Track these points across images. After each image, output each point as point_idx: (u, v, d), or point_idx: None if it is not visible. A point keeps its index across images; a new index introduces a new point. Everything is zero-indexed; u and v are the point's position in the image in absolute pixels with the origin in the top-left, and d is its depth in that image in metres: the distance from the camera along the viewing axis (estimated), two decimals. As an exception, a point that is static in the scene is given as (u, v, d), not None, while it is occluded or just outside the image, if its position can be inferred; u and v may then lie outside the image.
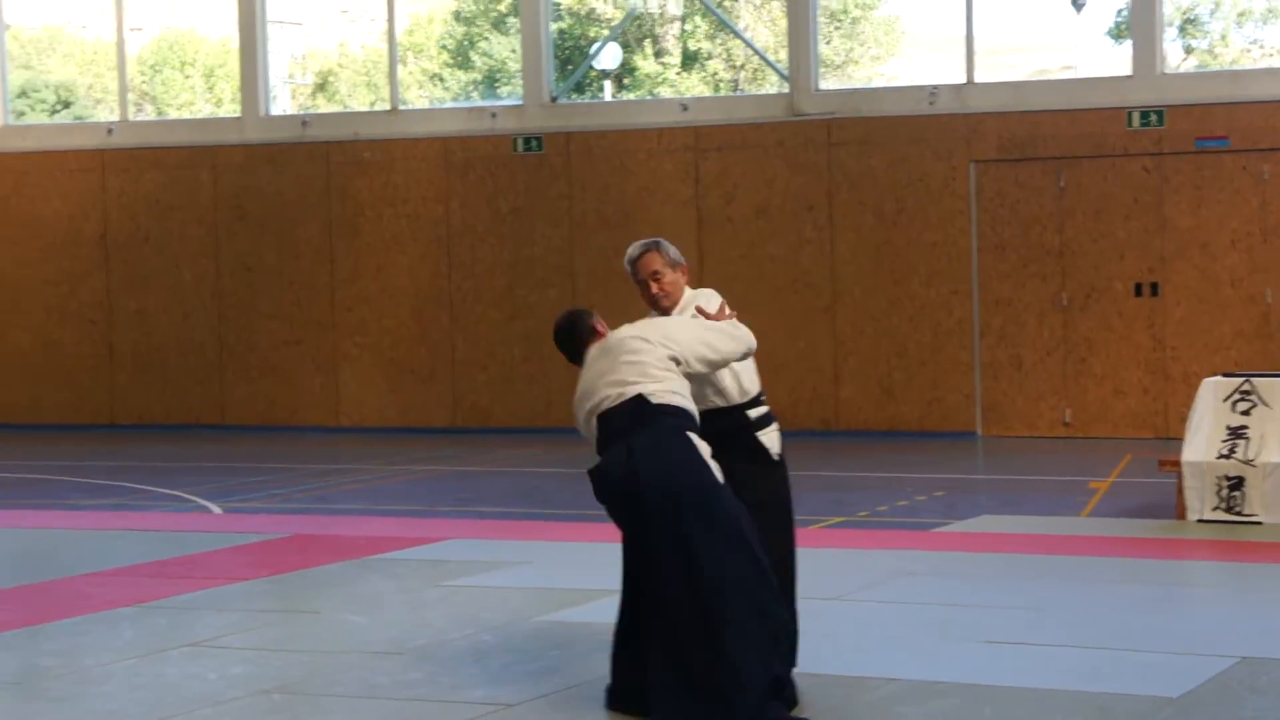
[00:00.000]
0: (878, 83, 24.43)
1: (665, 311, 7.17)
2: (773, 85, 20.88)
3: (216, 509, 13.43)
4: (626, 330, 6.92)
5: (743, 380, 7.15)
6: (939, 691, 7.07)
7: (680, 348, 6.82)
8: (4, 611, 9.13)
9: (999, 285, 17.77)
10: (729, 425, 7.08)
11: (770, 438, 7.21)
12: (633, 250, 7.24)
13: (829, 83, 19.51)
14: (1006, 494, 13.95)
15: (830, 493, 13.81)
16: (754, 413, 7.19)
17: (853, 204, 18.10)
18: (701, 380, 6.99)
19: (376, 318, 19.51)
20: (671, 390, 6.72)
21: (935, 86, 18.08)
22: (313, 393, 19.69)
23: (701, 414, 6.90)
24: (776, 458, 7.21)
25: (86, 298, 20.46)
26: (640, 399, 6.66)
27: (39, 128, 21.76)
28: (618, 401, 6.69)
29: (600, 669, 7.16)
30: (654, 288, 7.16)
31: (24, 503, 14.03)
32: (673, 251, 7.23)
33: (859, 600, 9.07)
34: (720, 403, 7.11)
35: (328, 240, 19.67)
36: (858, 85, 22.98)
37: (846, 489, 14.13)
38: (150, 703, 7.10)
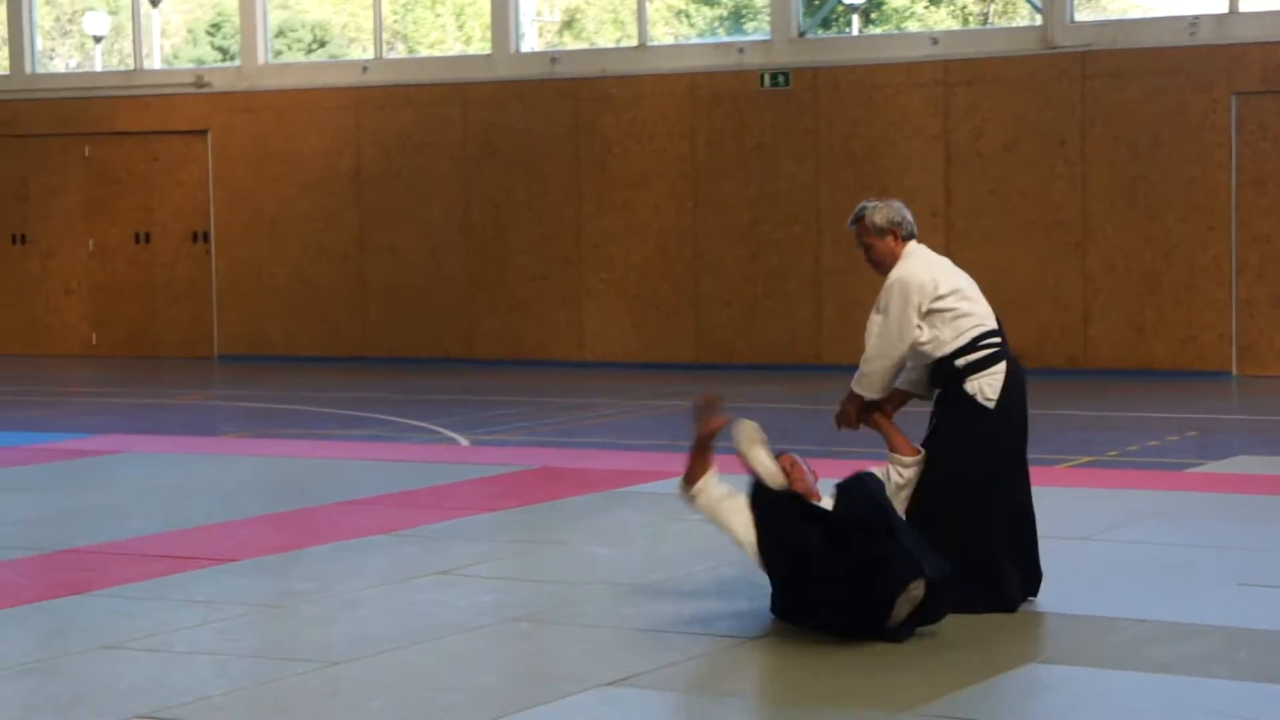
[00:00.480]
0: (1134, 14, 23.80)
1: (883, 273, 7.60)
2: (1024, 18, 20.50)
3: (464, 441, 13.59)
4: None
5: (942, 334, 7.44)
6: (1190, 633, 6.95)
7: None
8: (261, 537, 9.35)
9: (1259, 221, 17.29)
10: (940, 377, 7.47)
11: (978, 384, 7.34)
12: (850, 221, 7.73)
13: (1084, 14, 19.07)
14: (1262, 434, 13.69)
15: (1078, 431, 13.64)
16: (962, 361, 7.39)
17: (1106, 138, 17.72)
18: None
19: (622, 254, 19.61)
20: None
21: (1196, 16, 17.59)
22: (558, 328, 19.88)
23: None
24: (988, 404, 7.31)
25: (341, 233, 20.86)
26: None
27: (296, 66, 22.21)
28: None
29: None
30: (864, 257, 7.69)
31: (280, 432, 14.34)
32: (878, 218, 7.58)
33: (1108, 540, 8.94)
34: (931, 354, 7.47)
35: (575, 176, 19.80)
36: (1114, 16, 22.43)
37: (1095, 428, 13.95)
38: (402, 627, 7.20)
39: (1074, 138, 17.88)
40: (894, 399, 7.68)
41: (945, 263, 7.71)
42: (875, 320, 7.50)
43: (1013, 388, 7.41)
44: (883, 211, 7.63)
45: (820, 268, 18.75)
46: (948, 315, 7.45)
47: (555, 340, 19.89)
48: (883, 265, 7.59)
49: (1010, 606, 7.35)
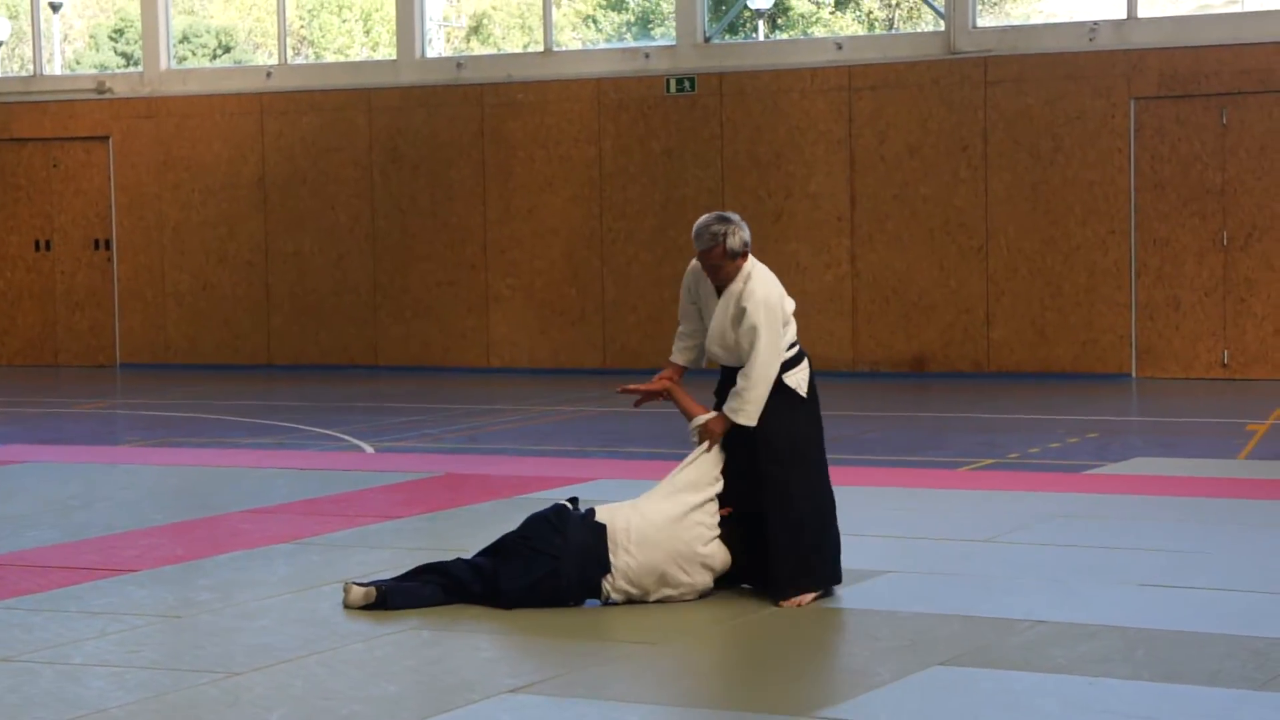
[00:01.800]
0: (1035, 19, 24.04)
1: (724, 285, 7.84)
2: (928, 23, 20.63)
3: (369, 448, 13.53)
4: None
5: (784, 343, 7.83)
6: (1090, 634, 6.97)
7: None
8: (162, 547, 9.25)
9: (1157, 225, 17.48)
10: None
11: (796, 379, 7.86)
12: (697, 239, 7.79)
13: (986, 20, 19.23)
14: (1161, 436, 13.79)
15: (981, 434, 13.73)
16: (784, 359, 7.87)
17: (1008, 143, 17.87)
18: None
19: (528, 259, 19.59)
20: None
21: (1095, 22, 17.77)
22: (464, 334, 19.83)
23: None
24: (802, 394, 7.87)
25: (245, 240, 20.73)
26: None
27: (200, 71, 22.04)
28: None
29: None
30: (710, 274, 7.84)
31: (182, 441, 14.22)
32: (735, 243, 7.74)
33: (1010, 542, 8.98)
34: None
35: (481, 182, 19.76)
36: (1015, 22, 22.64)
37: (997, 430, 14.01)
38: (304, 637, 7.17)
39: (976, 142, 18.01)
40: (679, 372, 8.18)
41: (769, 273, 7.97)
42: (759, 350, 7.71)
43: (813, 380, 7.97)
44: (738, 234, 7.75)
45: (726, 272, 18.78)
46: (789, 327, 7.89)
47: (461, 346, 19.84)
48: (728, 280, 7.82)
49: (840, 579, 7.86)
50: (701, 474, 7.82)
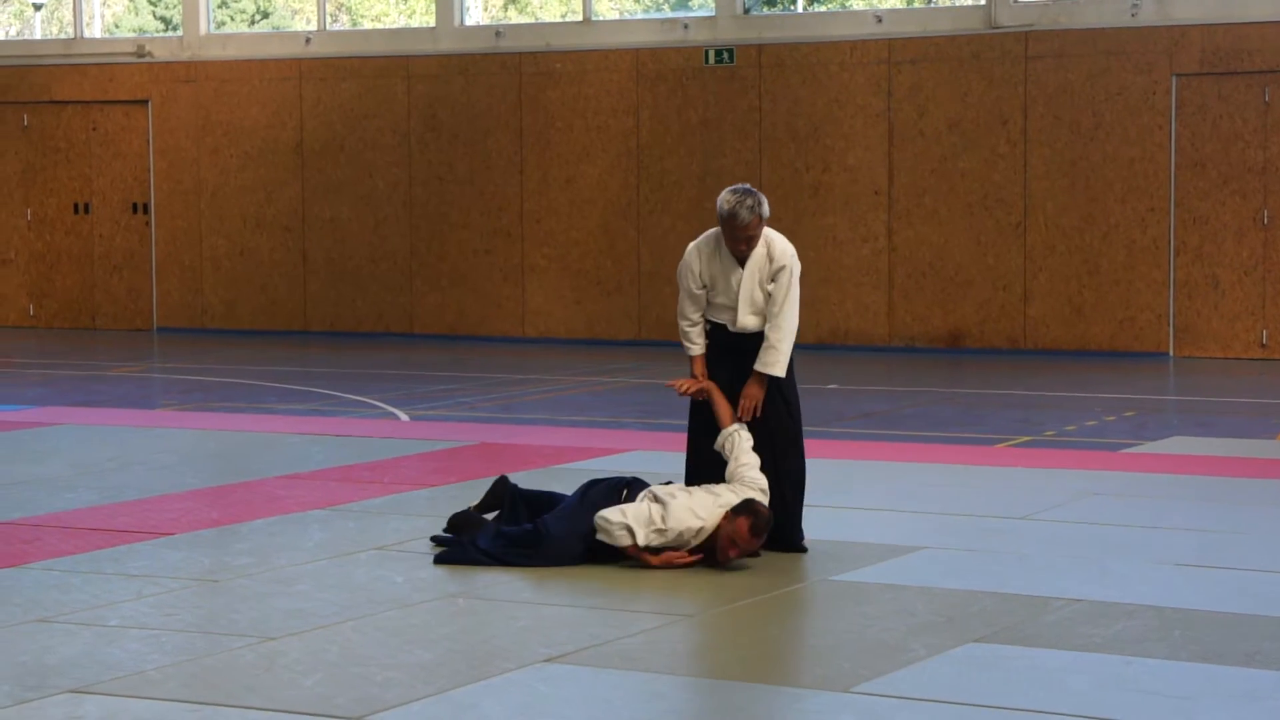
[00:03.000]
0: (1077, -6, 23.83)
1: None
2: (968, -3, 20.53)
3: (404, 416, 13.53)
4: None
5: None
6: (1125, 613, 6.95)
7: None
8: (200, 511, 9.28)
9: (1197, 203, 17.38)
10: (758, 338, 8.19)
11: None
12: (734, 215, 8.02)
13: (1027, -6, 19.10)
14: (1199, 415, 13.71)
15: (1017, 411, 13.69)
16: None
17: (1048, 118, 17.78)
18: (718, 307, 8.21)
19: (564, 229, 19.57)
20: None
21: (1137, -2, 17.67)
22: (500, 303, 19.83)
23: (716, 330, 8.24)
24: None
25: (282, 205, 20.74)
26: None
27: (239, 36, 22.03)
28: None
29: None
30: (743, 247, 8.08)
31: (218, 406, 14.26)
32: (766, 208, 8.08)
33: (1045, 520, 8.95)
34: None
35: (518, 151, 19.73)
36: (1056, -3, 22.48)
37: (1033, 408, 13.96)
38: (339, 603, 7.17)
39: (1016, 117, 17.93)
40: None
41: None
42: (791, 300, 8.11)
43: None
44: (764, 200, 8.11)
45: (763, 245, 18.74)
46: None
47: (497, 316, 19.83)
48: (754, 246, 8.14)
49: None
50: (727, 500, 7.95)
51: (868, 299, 18.32)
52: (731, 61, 18.89)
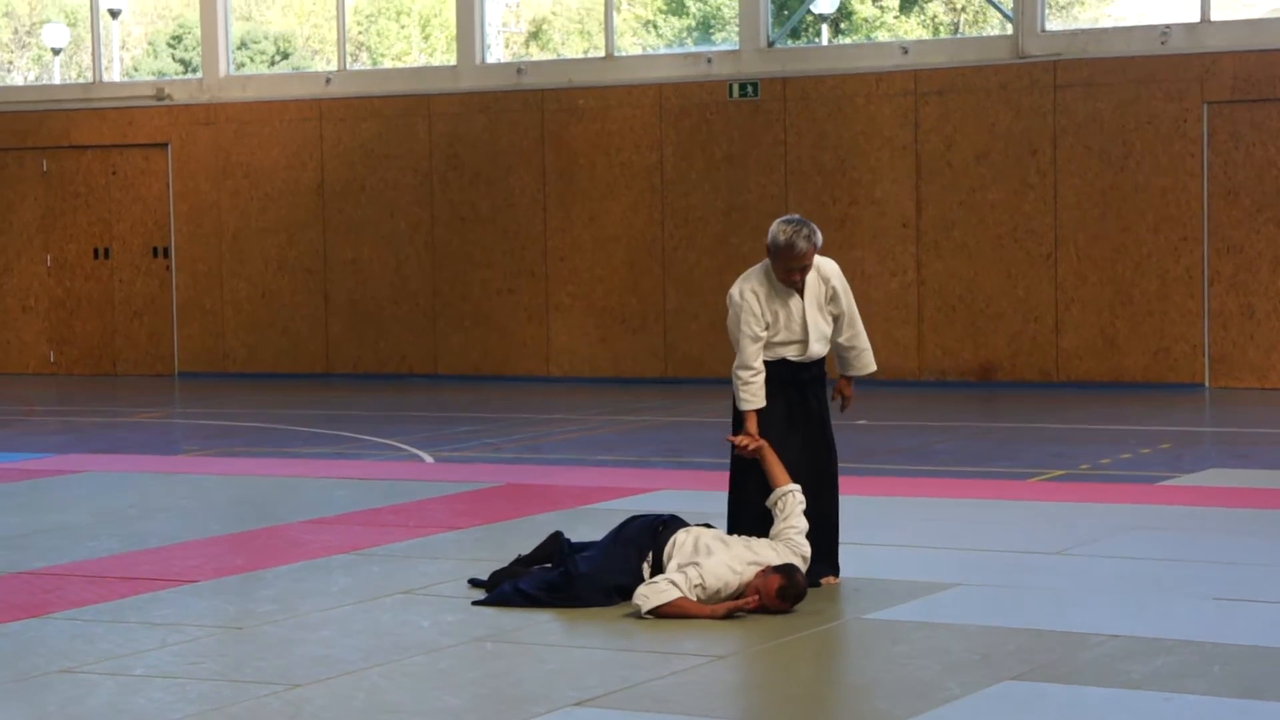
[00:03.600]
0: (1105, 23, 23.77)
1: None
2: (994, 27, 20.42)
3: (429, 458, 13.49)
4: None
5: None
6: (1164, 649, 6.86)
7: None
8: (223, 557, 9.25)
9: (1231, 231, 17.25)
10: (820, 365, 8.36)
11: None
12: (792, 244, 8.08)
13: (1055, 23, 19.00)
14: (1236, 447, 13.64)
15: (1051, 445, 13.61)
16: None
17: (1078, 148, 17.67)
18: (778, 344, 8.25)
19: (589, 267, 19.47)
20: None
21: (1167, 25, 17.54)
22: (524, 342, 19.74)
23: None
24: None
25: (304, 247, 20.69)
26: None
27: (259, 78, 22.02)
28: None
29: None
30: (797, 277, 8.14)
31: (241, 450, 14.21)
32: (819, 236, 8.22)
33: (1081, 555, 8.87)
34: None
35: (541, 188, 19.66)
36: (1085, 25, 22.38)
37: (1067, 441, 13.88)
38: (365, 649, 7.12)
39: (1045, 147, 17.81)
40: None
41: None
42: (852, 302, 8.36)
43: None
44: (817, 229, 8.23)
45: (789, 280, 18.62)
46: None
47: (521, 355, 19.74)
48: (807, 274, 8.23)
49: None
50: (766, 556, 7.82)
51: (897, 333, 18.17)
52: (756, 95, 18.80)
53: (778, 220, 8.16)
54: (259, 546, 9.57)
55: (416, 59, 28.54)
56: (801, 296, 8.16)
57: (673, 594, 7.54)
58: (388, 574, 8.66)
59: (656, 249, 19.24)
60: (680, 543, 7.79)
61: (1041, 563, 8.61)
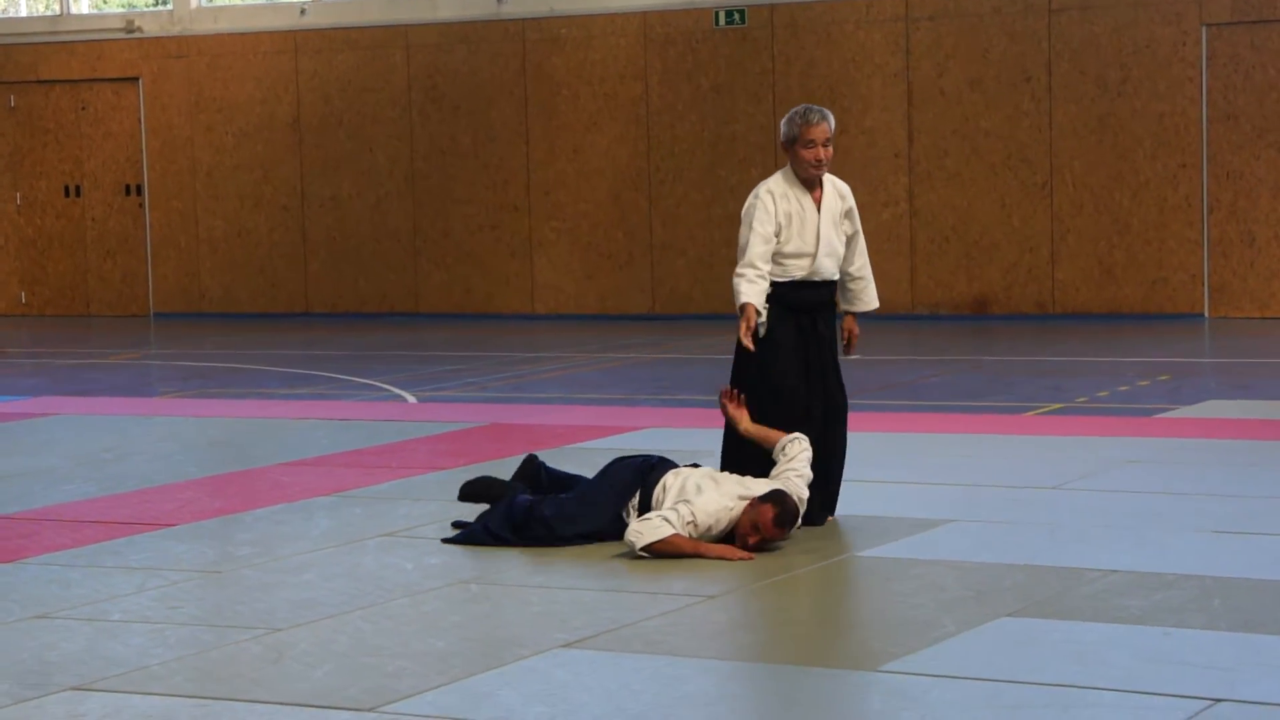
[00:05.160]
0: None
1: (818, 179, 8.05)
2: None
3: (411, 398, 13.42)
4: None
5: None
6: (1164, 583, 6.81)
7: None
8: (202, 500, 9.20)
9: (1230, 157, 17.11)
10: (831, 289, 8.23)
11: None
12: (806, 115, 7.92)
13: (1047, -54, 18.75)
14: (1235, 378, 13.66)
15: (1047, 378, 13.62)
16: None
17: (1073, 74, 17.49)
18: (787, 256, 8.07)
19: (573, 201, 19.26)
20: None
21: (1164, -56, 17.33)
22: (508, 279, 19.56)
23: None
24: None
25: (280, 184, 20.47)
26: None
27: (231, 9, 21.66)
28: None
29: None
30: (825, 156, 7.97)
31: (218, 392, 14.17)
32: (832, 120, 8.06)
33: (1078, 489, 8.81)
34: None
35: (523, 121, 19.41)
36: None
37: (1064, 374, 13.87)
38: (347, 592, 7.06)
39: (1040, 74, 17.62)
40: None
41: None
42: (860, 235, 8.24)
43: None
44: (830, 114, 8.10)
45: (777, 213, 18.43)
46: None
47: (505, 292, 19.57)
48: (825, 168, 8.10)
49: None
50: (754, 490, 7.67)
51: (889, 266, 17.96)
52: (743, 22, 18.56)
53: (788, 113, 8.07)
54: (238, 489, 9.51)
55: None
56: (819, 209, 7.99)
57: (666, 530, 7.40)
58: (370, 516, 8.60)
59: (642, 182, 19.02)
60: (669, 485, 7.67)
61: (1038, 497, 8.56)
